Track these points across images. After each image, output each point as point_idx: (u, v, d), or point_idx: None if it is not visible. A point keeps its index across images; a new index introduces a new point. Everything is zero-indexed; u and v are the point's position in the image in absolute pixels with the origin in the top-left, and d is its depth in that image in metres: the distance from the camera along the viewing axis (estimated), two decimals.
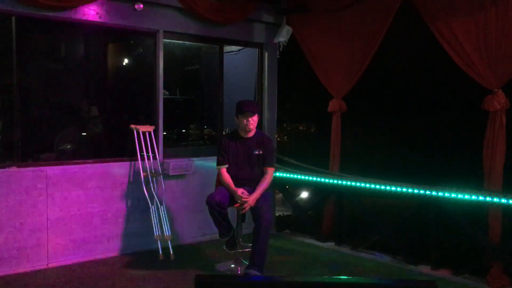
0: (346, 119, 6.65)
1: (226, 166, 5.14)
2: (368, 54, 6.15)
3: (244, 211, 5.02)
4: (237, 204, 5.03)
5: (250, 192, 5.01)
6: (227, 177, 5.10)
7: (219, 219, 5.03)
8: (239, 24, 6.76)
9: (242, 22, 6.80)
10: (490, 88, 5.09)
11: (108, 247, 5.80)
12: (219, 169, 5.16)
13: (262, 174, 5.14)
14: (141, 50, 6.56)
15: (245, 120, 5.05)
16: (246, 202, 4.94)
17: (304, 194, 11.16)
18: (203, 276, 2.16)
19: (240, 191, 4.98)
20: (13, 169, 5.24)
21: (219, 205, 4.94)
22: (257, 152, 5.11)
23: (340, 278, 3.40)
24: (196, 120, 7.32)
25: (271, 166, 5.20)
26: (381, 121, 13.31)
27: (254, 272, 4.78)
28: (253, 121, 5.07)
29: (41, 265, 5.35)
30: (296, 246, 6.45)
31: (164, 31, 6.17)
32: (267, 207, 4.97)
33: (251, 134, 5.16)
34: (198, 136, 7.11)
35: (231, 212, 5.21)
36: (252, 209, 4.99)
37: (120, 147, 6.14)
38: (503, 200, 4.90)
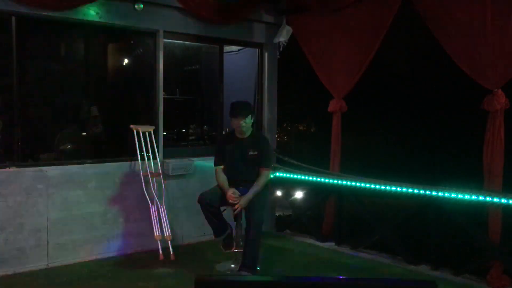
0: (346, 119, 6.65)
1: (221, 166, 5.19)
2: (368, 54, 6.14)
3: (235, 212, 5.02)
4: (230, 205, 5.03)
5: (245, 192, 5.02)
6: (221, 177, 5.15)
7: (211, 218, 5.08)
8: (239, 24, 6.76)
9: (242, 22, 6.80)
10: (490, 88, 5.09)
11: (108, 247, 5.79)
12: (215, 169, 5.23)
13: (258, 175, 5.12)
14: (141, 50, 6.56)
15: (236, 122, 5.06)
16: (235, 202, 4.95)
17: (299, 194, 11.09)
18: (203, 276, 2.16)
19: (230, 191, 4.99)
20: (13, 169, 5.24)
21: (209, 204, 4.99)
22: (251, 153, 5.09)
23: (340, 278, 3.39)
24: (196, 120, 7.32)
25: (266, 167, 5.14)
26: (381, 121, 13.32)
27: (244, 273, 4.79)
28: (245, 122, 5.05)
29: (41, 265, 5.34)
30: (296, 246, 6.45)
31: (164, 31, 6.17)
32: (258, 208, 4.95)
33: (246, 135, 5.15)
34: (198, 136, 7.11)
35: (228, 212, 5.20)
36: (245, 210, 5.00)
37: (120, 147, 6.14)
38: (503, 200, 4.90)
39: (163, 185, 5.96)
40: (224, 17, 6.47)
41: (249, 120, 5.06)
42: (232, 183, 5.08)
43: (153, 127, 6.05)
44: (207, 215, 5.07)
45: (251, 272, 4.84)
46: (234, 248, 5.25)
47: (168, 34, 6.25)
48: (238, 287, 2.19)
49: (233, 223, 5.28)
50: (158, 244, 5.67)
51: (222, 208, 5.17)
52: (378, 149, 13.29)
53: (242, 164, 5.12)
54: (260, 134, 5.40)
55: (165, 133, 6.36)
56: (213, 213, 5.06)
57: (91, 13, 5.61)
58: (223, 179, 5.12)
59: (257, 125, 7.25)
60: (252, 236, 4.86)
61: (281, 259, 5.88)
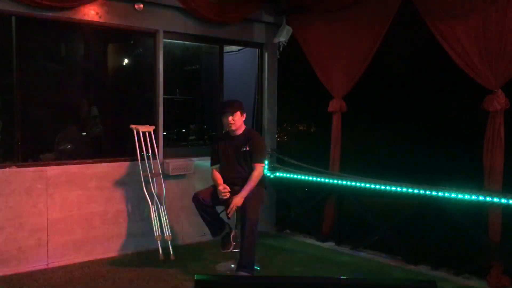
0: (346, 119, 6.65)
1: (217, 166, 5.21)
2: (368, 54, 6.15)
3: (230, 213, 4.97)
4: (224, 203, 5.01)
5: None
6: (216, 176, 5.16)
7: (206, 217, 5.09)
8: (239, 24, 6.76)
9: (242, 22, 6.80)
10: (490, 88, 5.09)
11: (108, 247, 5.79)
12: (211, 169, 5.25)
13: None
14: (141, 50, 6.56)
15: (225, 120, 5.10)
16: (225, 196, 4.94)
17: (299, 194, 11.03)
18: (203, 276, 2.16)
19: (221, 186, 4.98)
20: (13, 169, 5.25)
21: (202, 203, 5.01)
22: (244, 149, 5.10)
23: (340, 278, 3.40)
24: (196, 120, 7.32)
25: (258, 162, 5.07)
26: (381, 121, 13.31)
27: (242, 273, 4.78)
28: (234, 120, 5.06)
29: (41, 265, 5.35)
30: (296, 246, 6.45)
31: (164, 31, 6.17)
32: (253, 206, 4.92)
33: (239, 132, 5.16)
34: (198, 136, 7.11)
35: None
36: (240, 208, 4.98)
37: (120, 147, 6.14)
38: (503, 200, 4.90)
39: (163, 185, 5.96)
40: (224, 17, 6.48)
41: (238, 117, 5.08)
42: (228, 183, 5.07)
43: (153, 127, 6.05)
44: (201, 214, 5.09)
45: (249, 272, 4.83)
46: (232, 248, 5.23)
47: (168, 34, 6.25)
48: (238, 287, 2.19)
49: (232, 223, 5.28)
50: (158, 244, 5.68)
51: (221, 209, 5.17)
52: (378, 149, 13.27)
53: (236, 163, 5.12)
54: (252, 130, 5.41)
55: (165, 133, 6.36)
56: (208, 212, 5.07)
57: (91, 13, 5.61)
58: (217, 176, 5.14)
59: (257, 125, 7.26)
60: (247, 235, 4.84)
61: (281, 259, 5.88)
